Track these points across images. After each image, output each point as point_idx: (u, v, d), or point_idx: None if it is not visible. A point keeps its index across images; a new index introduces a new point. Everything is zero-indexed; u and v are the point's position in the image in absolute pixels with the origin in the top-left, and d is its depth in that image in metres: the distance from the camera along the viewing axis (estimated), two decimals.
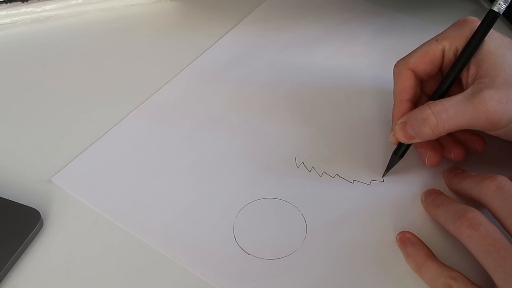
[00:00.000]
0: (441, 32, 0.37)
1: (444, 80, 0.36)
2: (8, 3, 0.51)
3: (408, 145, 0.37)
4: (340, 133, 0.41)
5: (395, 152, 0.38)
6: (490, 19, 0.35)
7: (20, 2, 0.51)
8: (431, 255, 0.32)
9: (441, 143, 0.38)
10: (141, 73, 0.47)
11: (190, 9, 0.54)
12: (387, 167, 0.38)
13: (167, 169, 0.39)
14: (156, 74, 0.46)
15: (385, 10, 0.53)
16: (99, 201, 0.37)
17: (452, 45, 0.36)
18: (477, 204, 0.33)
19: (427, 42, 0.37)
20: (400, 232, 0.34)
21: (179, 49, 0.49)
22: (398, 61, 0.38)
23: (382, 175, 0.38)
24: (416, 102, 0.38)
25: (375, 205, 0.36)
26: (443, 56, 0.37)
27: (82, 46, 0.50)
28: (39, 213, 0.35)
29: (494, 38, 0.35)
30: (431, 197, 0.36)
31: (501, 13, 0.35)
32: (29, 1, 0.52)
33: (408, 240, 0.34)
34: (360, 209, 0.36)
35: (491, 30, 0.35)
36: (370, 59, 0.48)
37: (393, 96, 0.38)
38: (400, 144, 0.37)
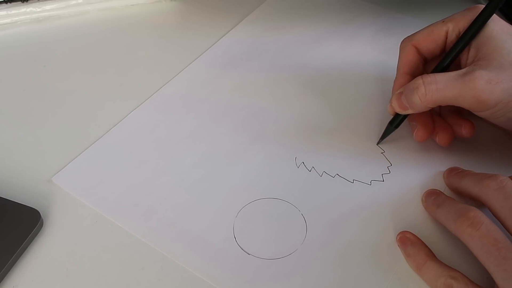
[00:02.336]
0: (449, 16, 0.38)
1: (443, 58, 0.37)
2: (8, 3, 0.51)
3: (404, 116, 0.39)
4: (341, 133, 0.41)
5: (391, 122, 0.39)
6: (493, 4, 0.35)
7: (20, 2, 0.51)
8: (431, 255, 0.32)
9: (433, 124, 0.39)
10: (141, 73, 0.47)
11: (190, 9, 0.54)
12: (382, 135, 0.40)
13: (167, 169, 0.39)
14: (156, 74, 0.46)
15: (385, 10, 0.53)
16: (99, 201, 0.37)
17: (456, 27, 0.37)
18: (478, 203, 0.33)
19: (434, 23, 0.38)
20: (400, 232, 0.34)
21: (179, 49, 0.49)
22: (405, 38, 0.40)
23: (376, 143, 0.40)
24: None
25: (375, 205, 0.36)
26: (447, 37, 0.38)
27: (82, 46, 0.50)
28: (39, 213, 0.35)
29: (498, 24, 0.36)
30: (431, 197, 0.36)
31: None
32: (29, 1, 0.52)
33: (408, 240, 0.34)
34: (360, 209, 0.36)
35: (496, 17, 0.36)
36: (370, 59, 0.48)
37: (396, 70, 0.40)
38: (396, 115, 0.39)
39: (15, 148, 0.40)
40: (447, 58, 0.37)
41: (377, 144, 0.40)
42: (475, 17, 0.36)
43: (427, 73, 0.38)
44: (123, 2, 0.54)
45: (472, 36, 0.36)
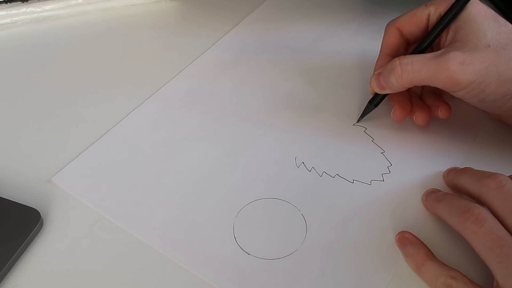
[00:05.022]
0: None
1: (422, 41, 0.38)
2: (8, 3, 0.51)
3: (383, 96, 0.40)
4: (341, 133, 0.41)
5: (370, 101, 0.41)
6: None
7: (20, 2, 0.51)
8: (431, 254, 0.32)
9: (411, 105, 0.40)
10: (141, 73, 0.47)
11: (190, 9, 0.54)
12: (361, 114, 0.41)
13: (167, 169, 0.39)
14: (156, 74, 0.46)
15: (385, 10, 0.53)
16: (99, 201, 0.37)
17: (437, 10, 0.38)
18: (476, 201, 0.33)
19: (417, 6, 0.39)
20: (399, 232, 0.34)
21: (179, 49, 0.49)
22: (389, 21, 0.41)
23: (355, 121, 0.41)
24: None
25: (375, 205, 0.36)
26: (428, 20, 0.39)
27: (82, 46, 0.50)
28: (39, 213, 0.35)
29: (476, 8, 0.36)
30: (431, 195, 0.36)
31: None
32: (29, 1, 0.52)
33: (407, 240, 0.34)
34: (360, 209, 0.36)
35: (476, 1, 0.37)
36: (370, 59, 0.48)
37: (379, 51, 0.41)
38: (375, 94, 0.40)
39: (15, 148, 0.40)
40: (426, 40, 0.38)
41: (355, 124, 0.41)
42: (454, 0, 0.37)
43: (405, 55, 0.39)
44: (123, 2, 0.54)
45: (451, 19, 0.37)
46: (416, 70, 0.36)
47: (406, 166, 0.39)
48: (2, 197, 0.36)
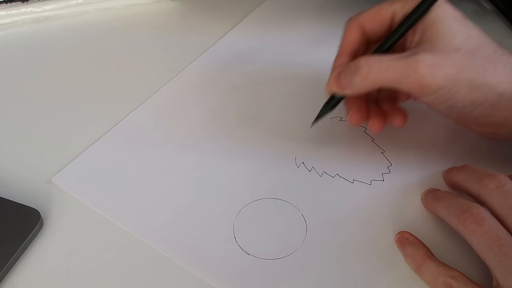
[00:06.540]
0: None
1: (385, 40, 0.36)
2: (8, 3, 0.51)
3: (340, 98, 0.37)
4: (341, 133, 0.41)
5: (327, 103, 0.38)
6: None
7: (20, 2, 0.51)
8: (430, 254, 0.32)
9: (367, 110, 0.38)
10: (141, 73, 0.47)
11: (190, 9, 0.54)
12: (317, 116, 0.38)
13: (167, 169, 0.39)
14: (156, 74, 0.46)
15: None
16: (99, 201, 0.37)
17: (403, 9, 0.36)
18: (475, 200, 0.33)
19: (382, 3, 0.37)
20: (399, 232, 0.34)
21: (179, 49, 0.49)
22: (350, 17, 0.38)
23: (313, 118, 0.38)
24: None
25: (375, 205, 0.36)
26: (393, 18, 0.36)
27: (82, 46, 0.50)
28: (39, 213, 0.35)
29: (444, 9, 0.35)
30: (431, 194, 0.36)
31: None
32: (29, 1, 0.52)
33: (406, 240, 0.34)
34: (360, 209, 0.36)
35: (444, 2, 0.35)
36: None
37: (338, 48, 0.38)
38: (333, 95, 0.37)
39: (15, 148, 0.40)
40: (389, 39, 0.36)
41: (310, 127, 0.38)
42: None
43: (369, 54, 0.37)
44: (123, 2, 0.54)
45: (417, 18, 0.35)
46: (382, 71, 0.33)
47: (406, 166, 0.39)
48: (2, 197, 0.36)
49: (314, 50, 0.49)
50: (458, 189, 0.36)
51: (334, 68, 0.37)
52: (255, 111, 0.43)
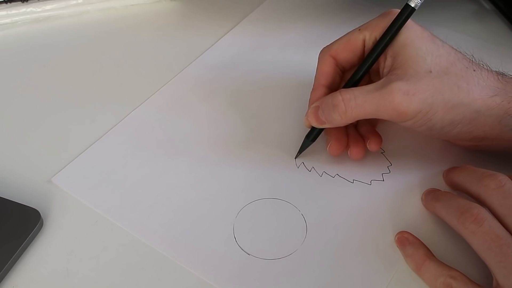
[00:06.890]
0: (365, 23, 0.37)
1: (358, 68, 0.37)
2: (8, 3, 0.51)
3: (321, 129, 0.38)
4: None
5: (307, 136, 0.38)
6: (406, 13, 0.35)
7: (20, 2, 0.51)
8: (430, 254, 0.32)
9: (347, 138, 0.38)
10: (141, 73, 0.47)
11: (190, 9, 0.54)
12: (299, 149, 0.39)
13: (167, 169, 0.39)
14: (156, 74, 0.46)
15: (385, 10, 0.53)
16: (99, 201, 0.37)
17: (372, 35, 0.36)
18: (475, 200, 0.33)
19: (351, 31, 0.38)
20: (399, 233, 0.34)
21: (179, 49, 0.49)
22: (323, 48, 0.39)
23: (294, 157, 0.39)
24: (334, 89, 0.38)
25: (375, 205, 0.36)
26: (364, 45, 0.37)
27: (82, 46, 0.50)
28: (39, 213, 0.35)
29: (413, 31, 0.35)
30: (430, 194, 0.36)
31: (416, 9, 0.35)
32: (29, 1, 0.52)
33: (406, 240, 0.34)
34: (360, 209, 0.36)
35: (412, 23, 0.35)
36: None
37: (314, 80, 0.39)
38: (313, 128, 0.38)
39: (15, 148, 0.40)
40: (361, 68, 0.36)
41: (295, 158, 0.39)
42: (389, 23, 0.35)
43: (345, 83, 0.37)
44: (123, 2, 0.54)
45: (386, 44, 0.35)
46: (360, 105, 0.34)
47: (406, 166, 0.39)
48: (2, 197, 0.36)
49: (314, 50, 0.49)
50: (458, 189, 0.36)
51: (311, 102, 0.38)
52: (255, 111, 0.43)
